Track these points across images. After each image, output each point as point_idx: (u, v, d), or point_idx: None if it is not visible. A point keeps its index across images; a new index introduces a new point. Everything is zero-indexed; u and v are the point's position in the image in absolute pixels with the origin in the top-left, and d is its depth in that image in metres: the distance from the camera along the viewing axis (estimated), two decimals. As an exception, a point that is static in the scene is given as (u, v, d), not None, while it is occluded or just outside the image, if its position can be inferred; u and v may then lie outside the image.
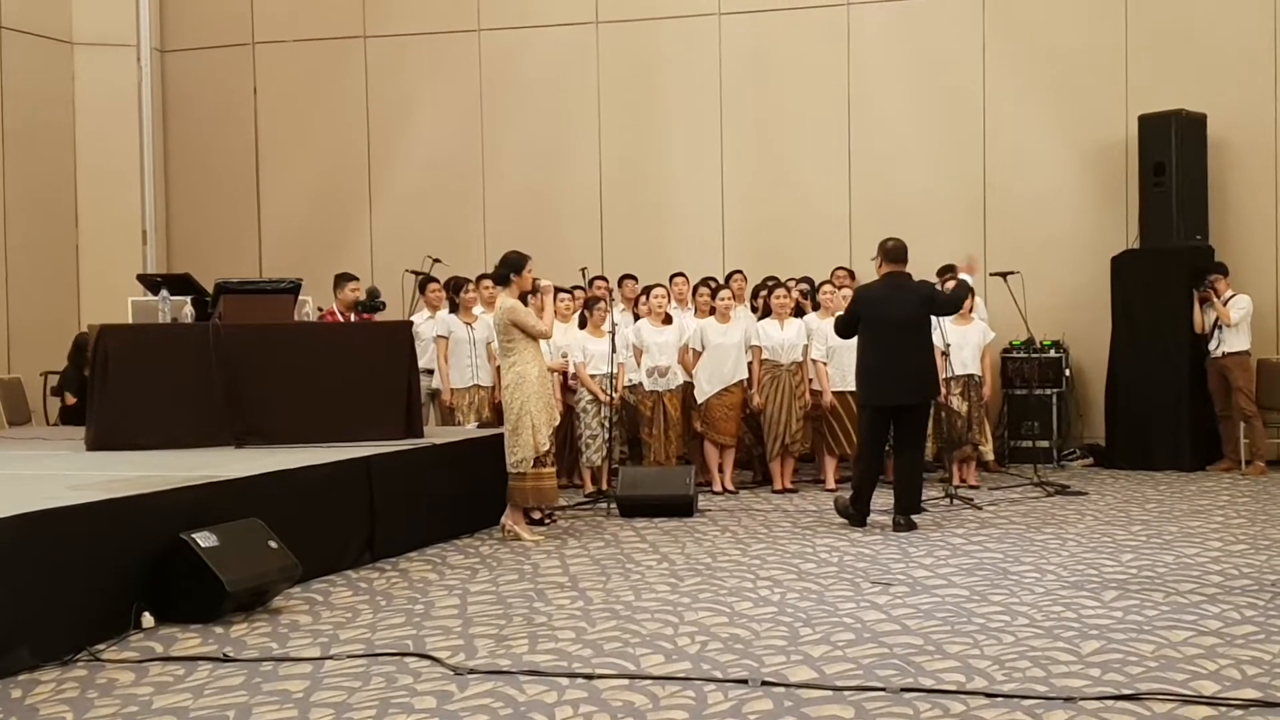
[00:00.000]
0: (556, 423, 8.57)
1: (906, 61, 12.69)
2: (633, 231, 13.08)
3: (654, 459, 10.33)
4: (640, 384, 10.47)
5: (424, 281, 10.92)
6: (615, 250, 12.96)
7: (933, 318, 8.90)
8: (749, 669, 5.12)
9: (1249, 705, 4.53)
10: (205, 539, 6.14)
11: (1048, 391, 11.84)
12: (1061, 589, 6.51)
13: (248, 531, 6.43)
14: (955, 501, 9.38)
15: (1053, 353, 11.90)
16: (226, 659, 5.45)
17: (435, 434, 9.28)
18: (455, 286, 10.65)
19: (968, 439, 10.44)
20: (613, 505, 9.39)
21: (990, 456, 11.02)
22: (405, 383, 8.81)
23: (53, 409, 12.37)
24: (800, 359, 10.43)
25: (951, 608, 6.13)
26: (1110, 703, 4.58)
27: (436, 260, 11.39)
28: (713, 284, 11.01)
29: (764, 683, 4.91)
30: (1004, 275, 10.59)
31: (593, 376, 10.23)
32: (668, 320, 10.54)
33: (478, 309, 10.54)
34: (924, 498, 8.81)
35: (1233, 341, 11.11)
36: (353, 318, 9.87)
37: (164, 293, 9.05)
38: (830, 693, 4.79)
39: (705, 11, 13.08)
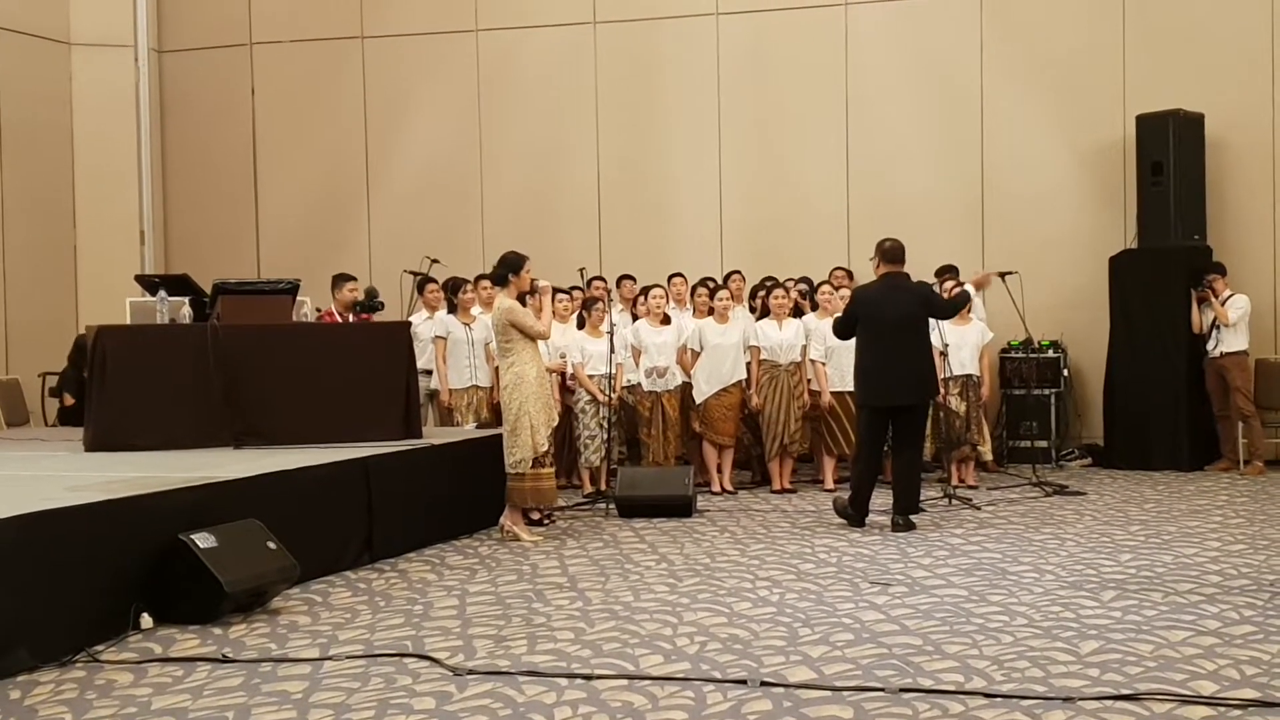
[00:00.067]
0: (555, 423, 8.56)
1: (905, 62, 12.68)
2: (631, 232, 13.07)
3: (652, 459, 10.33)
4: (639, 384, 10.47)
5: (422, 282, 10.92)
6: (613, 250, 12.95)
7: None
8: (748, 669, 5.12)
9: (1247, 705, 4.53)
10: (204, 540, 6.14)
11: (1046, 391, 11.83)
12: (1060, 589, 6.51)
13: (246, 532, 6.43)
14: (954, 502, 9.39)
15: (1051, 353, 11.89)
16: (225, 660, 5.45)
17: (434, 434, 9.28)
18: (453, 287, 10.65)
19: (966, 439, 10.44)
20: (611, 506, 9.39)
21: (989, 457, 11.03)
22: (404, 383, 8.81)
23: (51, 410, 12.35)
24: (799, 359, 10.43)
25: (950, 608, 6.13)
26: (1109, 703, 4.58)
27: (435, 261, 11.39)
28: (711, 284, 10.99)
29: (763, 683, 4.91)
30: (1002, 275, 10.58)
31: (591, 377, 10.22)
32: (666, 320, 10.53)
33: (476, 309, 10.54)
34: (922, 498, 8.81)
35: (1231, 341, 11.11)
36: (351, 318, 9.87)
37: (162, 293, 9.06)
38: (829, 693, 4.79)
39: (703, 11, 13.07)
